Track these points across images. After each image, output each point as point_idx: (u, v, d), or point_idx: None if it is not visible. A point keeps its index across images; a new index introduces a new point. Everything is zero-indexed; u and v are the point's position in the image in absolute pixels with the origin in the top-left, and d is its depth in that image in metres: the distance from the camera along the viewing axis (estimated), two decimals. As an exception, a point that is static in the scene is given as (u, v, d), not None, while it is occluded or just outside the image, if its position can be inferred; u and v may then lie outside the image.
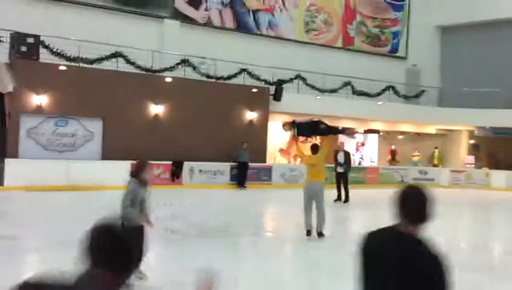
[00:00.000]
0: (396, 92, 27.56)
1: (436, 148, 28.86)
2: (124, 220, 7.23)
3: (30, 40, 18.49)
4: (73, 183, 17.54)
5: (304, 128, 11.87)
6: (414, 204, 3.01)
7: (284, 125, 12.37)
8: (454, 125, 28.81)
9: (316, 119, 12.41)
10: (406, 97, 28.36)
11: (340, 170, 18.44)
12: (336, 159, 18.66)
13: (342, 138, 19.95)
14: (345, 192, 18.25)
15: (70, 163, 18.08)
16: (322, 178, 11.56)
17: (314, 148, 11.84)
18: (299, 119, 12.63)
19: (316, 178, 11.35)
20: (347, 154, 18.96)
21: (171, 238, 11.08)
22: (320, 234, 11.26)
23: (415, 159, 28.69)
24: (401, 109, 27.13)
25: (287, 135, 26.46)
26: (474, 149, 30.18)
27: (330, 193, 17.91)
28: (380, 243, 3.09)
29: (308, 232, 11.26)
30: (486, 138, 28.97)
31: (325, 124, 12.12)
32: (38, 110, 18.45)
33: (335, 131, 13.85)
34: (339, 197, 18.25)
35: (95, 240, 2.23)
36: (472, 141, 30.19)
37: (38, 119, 18.52)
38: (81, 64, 19.60)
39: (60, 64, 18.87)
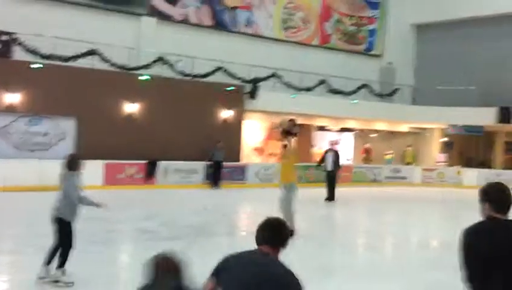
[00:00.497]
0: (371, 90, 27.78)
1: (409, 146, 29.18)
2: (74, 213, 7.41)
3: (4, 37, 18.34)
4: (46, 183, 17.38)
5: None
6: (504, 197, 3.62)
7: (282, 127, 12.19)
8: (427, 123, 29.12)
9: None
10: (381, 95, 28.61)
11: (329, 168, 18.67)
12: (324, 159, 18.93)
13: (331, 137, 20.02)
14: (330, 190, 18.52)
15: (43, 162, 17.93)
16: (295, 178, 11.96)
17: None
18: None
19: (292, 178, 11.84)
20: (336, 154, 19.09)
21: (144, 239, 11.14)
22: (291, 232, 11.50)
23: (389, 157, 28.99)
24: (375, 107, 27.34)
25: (263, 133, 26.72)
26: (446, 147, 30.57)
27: (322, 192, 18.26)
28: (493, 236, 3.51)
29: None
30: (458, 136, 29.37)
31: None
32: (10, 109, 18.28)
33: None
34: (328, 195, 18.58)
35: (265, 228, 3.53)
36: (444, 139, 30.56)
37: (10, 118, 18.33)
38: (56, 62, 19.46)
39: (33, 62, 18.72)
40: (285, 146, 12.04)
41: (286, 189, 11.70)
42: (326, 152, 19.07)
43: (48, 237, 10.55)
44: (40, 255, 9.25)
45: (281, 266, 3.40)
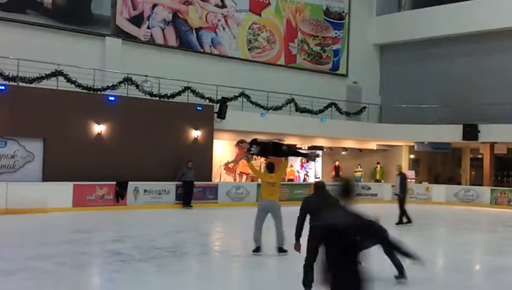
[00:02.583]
0: (338, 109, 27.96)
1: (378, 163, 29.39)
2: None
3: (-34, 59, 17.91)
4: (13, 206, 16.95)
5: (264, 148, 11.97)
6: None
7: (241, 142, 12.22)
8: (394, 141, 29.41)
9: (276, 141, 12.44)
10: (348, 114, 28.81)
11: (397, 192, 18.33)
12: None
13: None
14: (399, 214, 17.93)
15: (9, 185, 17.46)
16: (278, 197, 11.69)
17: (271, 167, 11.84)
18: (260, 138, 12.77)
19: (273, 196, 11.51)
20: (402, 178, 18.54)
21: (115, 261, 10.80)
22: (281, 250, 11.32)
23: (358, 174, 29.13)
24: (343, 126, 27.57)
25: (234, 152, 26.56)
26: (414, 164, 30.91)
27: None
28: None
29: (257, 249, 11.32)
30: (425, 153, 29.70)
31: (286, 145, 12.26)
32: (-25, 132, 17.81)
33: (297, 153, 14.01)
34: (406, 219, 17.95)
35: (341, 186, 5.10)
36: (412, 156, 30.89)
37: (-25, 141, 17.88)
38: (20, 84, 19.06)
39: (-2, 84, 18.35)
40: (270, 164, 11.95)
41: (277, 209, 11.48)
42: (397, 176, 18.78)
43: (17, 261, 10.22)
44: (7, 279, 8.94)
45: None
